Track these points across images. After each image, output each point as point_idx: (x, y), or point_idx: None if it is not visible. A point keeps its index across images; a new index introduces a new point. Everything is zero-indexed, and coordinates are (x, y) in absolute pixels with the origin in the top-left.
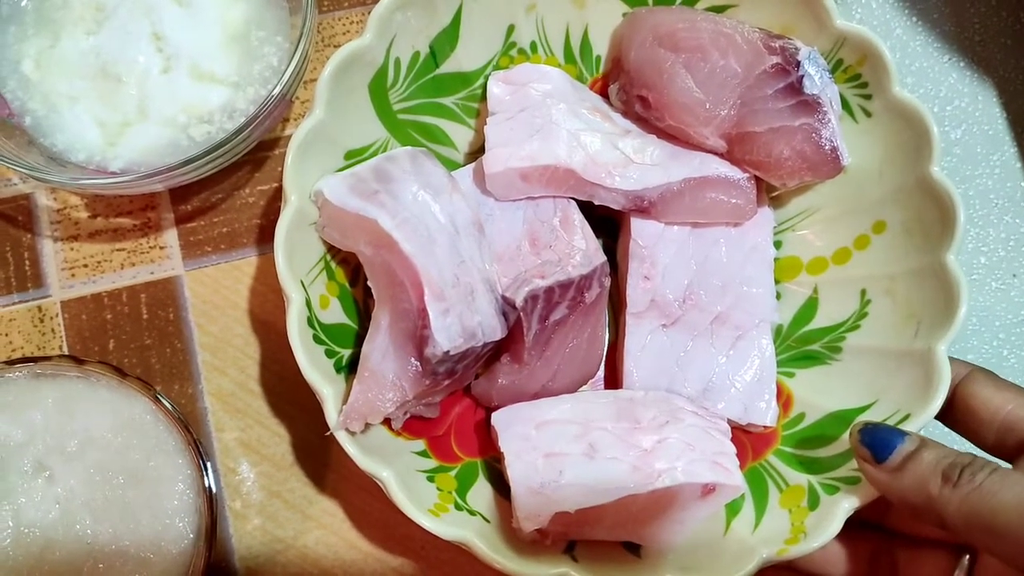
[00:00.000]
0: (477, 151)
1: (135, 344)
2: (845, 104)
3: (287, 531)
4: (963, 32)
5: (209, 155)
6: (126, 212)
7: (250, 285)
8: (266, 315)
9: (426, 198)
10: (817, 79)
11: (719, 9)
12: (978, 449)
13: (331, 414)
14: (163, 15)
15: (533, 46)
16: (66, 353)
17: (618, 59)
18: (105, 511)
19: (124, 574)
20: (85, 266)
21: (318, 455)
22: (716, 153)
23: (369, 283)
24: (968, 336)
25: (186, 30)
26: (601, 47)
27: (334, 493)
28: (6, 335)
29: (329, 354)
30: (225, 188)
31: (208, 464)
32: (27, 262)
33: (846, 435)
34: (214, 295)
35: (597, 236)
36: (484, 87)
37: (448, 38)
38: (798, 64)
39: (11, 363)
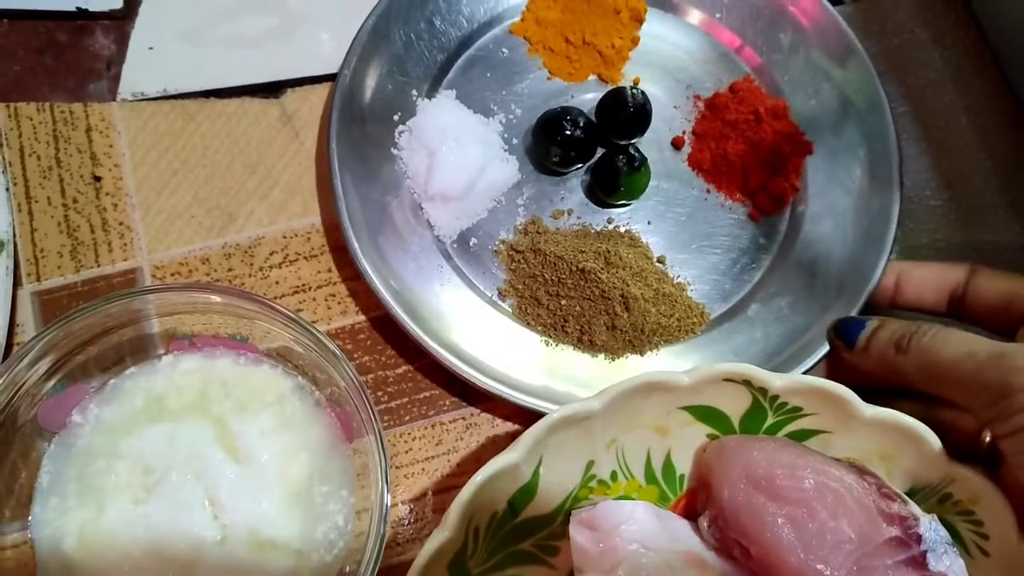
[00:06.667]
0: None
1: None
2: (958, 539)
3: None
4: None
5: None
6: None
7: None
8: None
9: None
10: (942, 554)
11: (811, 433)
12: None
13: None
14: (218, 477)
15: (613, 475)
16: None
17: (707, 485)
18: None
19: None
20: None
21: None
22: None
23: None
24: None
25: (244, 492)
26: (684, 466)
27: None
28: None
29: None
30: None
31: None
32: None
33: None
34: None
35: None
36: (563, 523)
37: (527, 491)
38: (919, 538)
39: None
